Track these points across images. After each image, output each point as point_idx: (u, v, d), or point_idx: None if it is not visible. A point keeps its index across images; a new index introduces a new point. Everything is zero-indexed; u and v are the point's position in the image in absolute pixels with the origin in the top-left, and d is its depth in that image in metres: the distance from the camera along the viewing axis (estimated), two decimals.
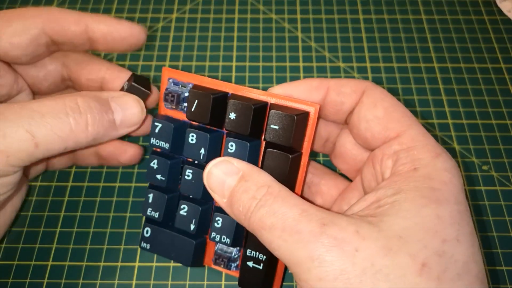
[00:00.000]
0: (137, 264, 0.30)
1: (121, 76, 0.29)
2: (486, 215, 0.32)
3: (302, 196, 0.26)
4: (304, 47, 0.41)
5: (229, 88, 0.25)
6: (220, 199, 0.23)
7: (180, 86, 0.26)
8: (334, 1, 0.44)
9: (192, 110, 0.25)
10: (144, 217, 0.28)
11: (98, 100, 0.25)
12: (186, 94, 0.26)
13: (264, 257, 0.24)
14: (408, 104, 0.37)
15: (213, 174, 0.23)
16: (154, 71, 0.39)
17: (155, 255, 0.31)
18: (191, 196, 0.26)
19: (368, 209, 0.20)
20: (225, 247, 0.27)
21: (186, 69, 0.39)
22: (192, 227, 0.26)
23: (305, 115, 0.23)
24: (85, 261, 0.30)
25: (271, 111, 0.23)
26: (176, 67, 0.39)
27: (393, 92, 0.38)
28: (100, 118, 0.24)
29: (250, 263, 0.25)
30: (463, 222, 0.19)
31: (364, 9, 0.44)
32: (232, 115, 0.24)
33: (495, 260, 0.30)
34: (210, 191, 0.23)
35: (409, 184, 0.20)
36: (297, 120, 0.23)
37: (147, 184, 0.34)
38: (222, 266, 0.27)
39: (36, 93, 0.31)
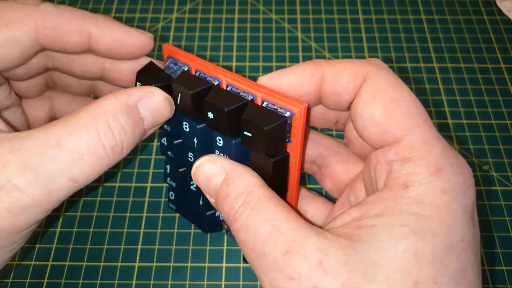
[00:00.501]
0: (137, 264, 0.30)
1: (124, 66, 0.26)
2: (486, 215, 0.32)
3: (293, 203, 0.25)
4: (304, 47, 0.41)
5: (222, 75, 0.23)
6: (209, 198, 0.22)
7: (178, 66, 0.25)
8: (334, 1, 0.44)
9: (178, 102, 0.24)
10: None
11: (128, 113, 0.21)
12: None
13: None
14: None
15: (199, 175, 0.22)
16: None
17: (155, 254, 0.31)
18: None
19: (348, 226, 0.18)
20: None
21: None
22: (201, 202, 0.27)
23: (282, 121, 0.21)
24: (85, 261, 0.30)
25: (242, 117, 0.21)
26: None
27: None
28: (133, 137, 0.22)
29: None
30: (448, 259, 0.17)
31: (364, 9, 0.44)
32: (210, 115, 0.23)
33: (495, 260, 0.30)
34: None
35: (394, 207, 0.17)
36: (270, 130, 0.20)
37: (147, 185, 0.34)
38: (233, 237, 0.27)
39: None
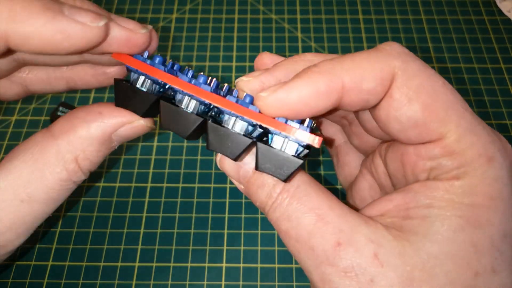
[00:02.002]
0: (137, 264, 0.30)
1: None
2: None
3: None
4: (304, 47, 0.41)
5: (208, 98, 0.19)
6: (237, 185, 0.21)
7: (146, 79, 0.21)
8: (334, 1, 0.44)
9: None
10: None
11: (102, 144, 0.21)
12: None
13: None
14: None
15: (227, 160, 0.20)
16: None
17: (155, 256, 0.31)
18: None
19: (393, 215, 0.18)
20: None
21: None
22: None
23: (298, 167, 0.18)
24: (85, 261, 0.30)
25: (258, 168, 0.19)
26: None
27: None
28: (99, 159, 0.21)
29: None
30: (504, 247, 0.17)
31: (364, 9, 0.44)
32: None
33: None
34: (226, 173, 0.21)
35: (445, 197, 0.17)
36: (288, 177, 0.18)
37: (147, 185, 0.34)
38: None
39: None
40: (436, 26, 0.42)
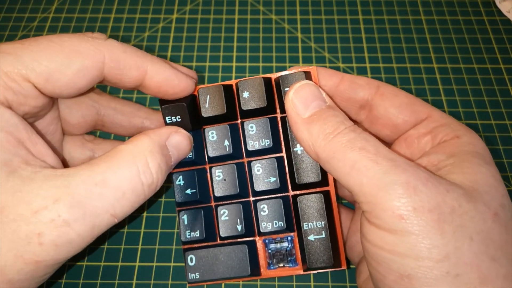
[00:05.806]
0: (137, 264, 0.30)
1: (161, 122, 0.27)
2: None
3: None
4: (304, 47, 0.41)
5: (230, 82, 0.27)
6: (297, 113, 0.23)
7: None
8: (334, 1, 0.44)
9: (207, 106, 0.26)
10: (182, 250, 0.27)
11: (162, 153, 0.24)
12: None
13: (323, 222, 0.25)
14: None
15: (304, 90, 0.24)
16: None
17: (156, 254, 0.31)
18: (226, 196, 0.26)
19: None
20: (275, 245, 0.26)
21: None
22: (239, 227, 0.26)
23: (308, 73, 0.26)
24: (85, 261, 0.30)
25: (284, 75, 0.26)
26: None
27: None
28: (166, 173, 0.24)
29: (312, 237, 0.25)
30: (502, 182, 0.22)
31: (364, 9, 0.44)
32: (246, 94, 0.26)
33: None
34: (289, 103, 0.24)
35: (458, 149, 0.22)
36: (307, 75, 0.26)
37: None
38: (281, 264, 0.26)
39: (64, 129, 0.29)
40: (435, 26, 0.43)
